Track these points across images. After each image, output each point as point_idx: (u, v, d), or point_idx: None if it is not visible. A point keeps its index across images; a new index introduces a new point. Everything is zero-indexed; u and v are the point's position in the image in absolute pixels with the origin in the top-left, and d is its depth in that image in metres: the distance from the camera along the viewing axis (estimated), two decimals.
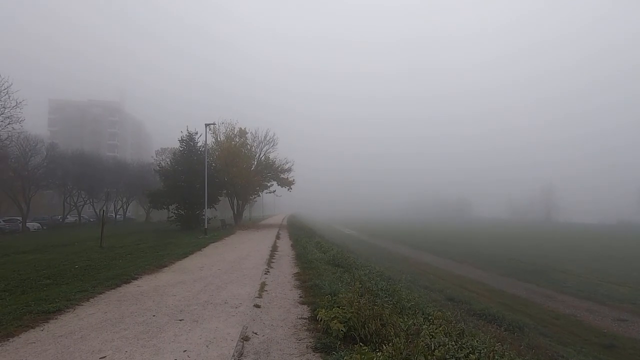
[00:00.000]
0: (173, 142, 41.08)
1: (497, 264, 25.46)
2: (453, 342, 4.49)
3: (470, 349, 4.48)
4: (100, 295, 7.28)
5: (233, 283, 8.50)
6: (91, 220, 48.04)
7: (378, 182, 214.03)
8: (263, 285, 8.21)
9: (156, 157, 57.15)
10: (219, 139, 36.71)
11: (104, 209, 31.54)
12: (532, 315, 13.48)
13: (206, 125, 26.37)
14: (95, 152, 53.62)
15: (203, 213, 28.00)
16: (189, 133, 31.98)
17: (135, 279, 8.97)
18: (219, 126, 36.32)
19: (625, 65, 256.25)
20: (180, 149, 32.78)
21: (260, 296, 7.17)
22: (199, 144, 32.29)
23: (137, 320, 5.58)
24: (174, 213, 31.17)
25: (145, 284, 8.44)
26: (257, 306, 6.40)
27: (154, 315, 5.81)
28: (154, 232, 29.63)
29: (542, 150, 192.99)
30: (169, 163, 40.10)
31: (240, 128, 37.35)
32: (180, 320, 5.57)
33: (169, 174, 32.56)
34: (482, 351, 4.49)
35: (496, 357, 4.35)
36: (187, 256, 13.41)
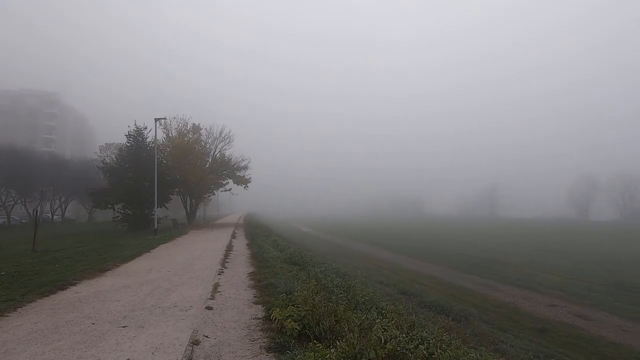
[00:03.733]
0: (119, 138, 38.55)
1: (447, 258, 26.90)
2: (404, 335, 4.63)
3: (420, 340, 4.66)
4: (31, 304, 6.58)
5: (184, 285, 8.11)
6: (23, 221, 43.47)
7: (338, 180, 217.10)
8: (216, 286, 7.93)
9: (100, 153, 53.13)
10: (170, 135, 35.01)
11: (38, 209, 28.73)
12: (477, 304, 14.39)
13: (156, 119, 24.97)
14: (29, 147, 48.62)
15: (153, 212, 26.55)
16: (137, 128, 30.09)
17: (73, 284, 8.23)
18: (170, 121, 34.67)
19: (572, 76, 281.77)
20: (128, 144, 30.74)
21: (212, 298, 6.91)
22: (148, 140, 30.50)
23: (74, 329, 5.11)
24: (120, 213, 29.17)
25: (85, 289, 7.79)
26: (209, 308, 6.16)
27: (93, 323, 5.36)
28: (98, 233, 27.54)
29: (489, 151, 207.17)
30: (114, 159, 37.40)
31: (194, 124, 35.95)
32: (123, 326, 5.19)
33: (115, 171, 30.40)
34: (430, 341, 4.68)
35: (443, 347, 4.55)
36: (133, 258, 12.60)
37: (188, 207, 38.75)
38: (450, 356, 4.18)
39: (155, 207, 25.22)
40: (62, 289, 7.74)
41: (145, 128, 30.48)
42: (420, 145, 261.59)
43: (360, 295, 7.07)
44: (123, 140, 32.61)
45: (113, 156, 43.73)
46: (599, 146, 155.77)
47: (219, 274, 9.42)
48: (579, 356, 9.40)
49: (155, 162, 24.90)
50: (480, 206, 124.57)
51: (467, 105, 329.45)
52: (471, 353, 4.86)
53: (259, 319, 5.56)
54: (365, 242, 39.84)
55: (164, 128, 34.64)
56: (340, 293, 7.15)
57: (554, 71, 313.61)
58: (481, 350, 6.45)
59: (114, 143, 51.50)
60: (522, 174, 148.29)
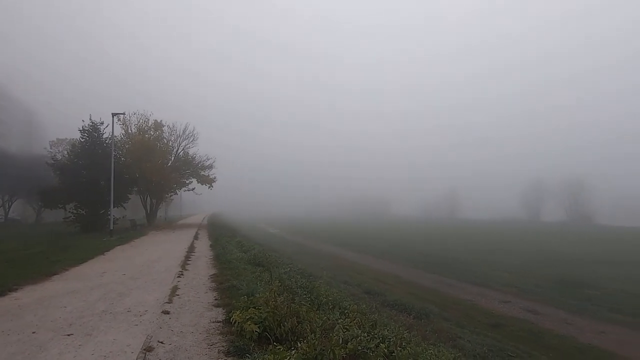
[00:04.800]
0: (73, 133, 36.10)
1: (410, 257, 27.65)
2: (366, 334, 4.66)
3: (381, 338, 4.71)
4: None
5: (139, 289, 7.70)
6: None
7: (306, 182, 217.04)
8: (175, 289, 7.60)
9: (50, 148, 49.43)
10: (129, 131, 33.30)
11: None
12: (437, 302, 14.88)
13: (113, 114, 23.65)
14: None
15: (109, 213, 25.06)
16: (93, 122, 28.27)
17: (14, 290, 7.56)
18: (129, 117, 32.99)
19: (536, 77, 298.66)
20: (82, 139, 28.79)
21: (170, 301, 6.61)
22: (105, 136, 28.77)
23: (10, 339, 4.67)
24: (72, 213, 27.26)
25: (27, 295, 7.17)
26: (166, 312, 5.88)
27: (33, 332, 4.93)
28: (47, 235, 25.56)
29: (448, 152, 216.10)
30: (66, 156, 34.95)
31: (156, 120, 34.48)
32: (68, 335, 4.82)
33: (67, 169, 28.36)
34: (391, 340, 4.75)
35: (403, 344, 4.63)
36: (85, 261, 11.83)
37: (148, 207, 37.05)
38: (409, 353, 4.26)
39: (112, 206, 23.87)
40: (0, 296, 7.08)
41: (102, 123, 28.72)
42: (384, 144, 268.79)
43: (324, 296, 7.04)
44: (77, 135, 30.53)
45: (65, 152, 40.87)
46: (548, 152, 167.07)
47: (178, 277, 9.05)
48: (529, 349, 9.97)
49: (112, 159, 23.56)
50: (442, 207, 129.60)
51: (429, 105, 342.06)
52: (430, 350, 4.99)
53: (219, 322, 5.38)
54: (331, 242, 40.07)
55: (123, 124, 32.93)
56: (304, 294, 7.09)
57: (509, 75, 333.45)
58: (440, 346, 6.66)
59: (66, 139, 48.14)
60: (480, 176, 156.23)
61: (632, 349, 10.19)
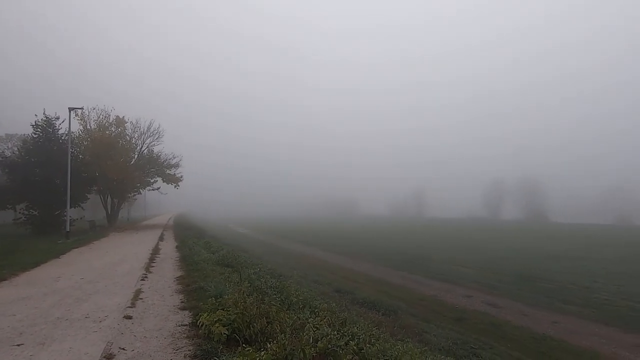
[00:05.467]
0: (25, 129, 33.58)
1: (379, 255, 28.19)
2: (336, 332, 4.68)
3: (351, 336, 4.76)
4: None
5: (99, 293, 7.30)
6: None
7: (276, 182, 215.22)
8: (138, 292, 7.28)
9: None
10: (88, 127, 31.49)
11: None
12: (405, 299, 15.28)
13: (70, 109, 22.27)
14: None
15: (65, 213, 23.56)
16: (47, 117, 26.45)
17: None
18: (88, 112, 31.19)
19: (501, 83, 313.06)
20: (35, 135, 26.85)
21: (133, 305, 6.32)
22: (60, 131, 27.00)
23: None
24: (23, 214, 25.37)
25: None
26: (128, 317, 5.61)
27: None
28: None
29: (416, 153, 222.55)
30: (16, 152, 32.46)
31: (117, 116, 32.79)
32: (18, 345, 4.48)
33: (17, 166, 26.33)
34: (361, 337, 4.81)
35: (372, 341, 4.70)
36: (38, 265, 11.07)
37: (109, 207, 35.23)
38: (378, 350, 4.33)
39: (68, 207, 22.46)
40: None
41: (57, 118, 26.94)
42: (352, 143, 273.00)
43: (294, 296, 7.01)
44: (29, 131, 28.42)
45: (15, 149, 37.95)
46: (508, 154, 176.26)
47: (142, 280, 8.67)
48: (490, 340, 10.47)
49: (69, 157, 22.17)
50: (410, 207, 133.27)
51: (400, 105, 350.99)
52: (398, 345, 5.10)
53: (186, 325, 5.21)
54: (302, 242, 40.03)
55: (81, 119, 31.06)
56: (274, 294, 7.02)
57: (474, 81, 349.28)
58: (407, 341, 6.83)
59: (16, 134, 44.72)
60: (447, 175, 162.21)
61: (580, 337, 10.97)
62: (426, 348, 7.16)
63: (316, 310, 6.20)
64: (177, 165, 36.68)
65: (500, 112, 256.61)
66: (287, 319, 4.95)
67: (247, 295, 5.70)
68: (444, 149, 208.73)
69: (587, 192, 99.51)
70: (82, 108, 25.63)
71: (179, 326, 5.17)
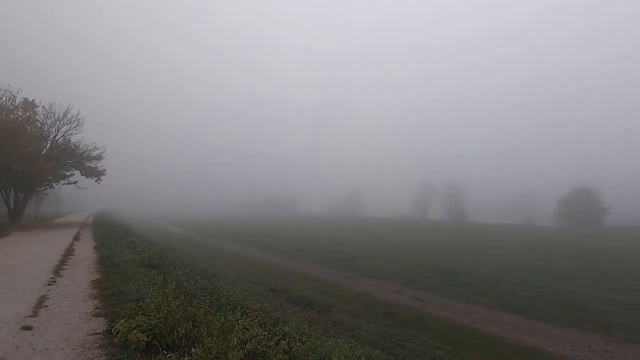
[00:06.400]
0: None
1: (315, 254, 28.55)
2: (267, 332, 4.60)
3: (282, 335, 4.72)
4: None
5: None
6: None
7: (211, 178, 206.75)
8: (42, 299, 6.42)
9: None
10: None
11: None
12: (338, 296, 15.68)
13: None
14: None
15: None
16: None
17: None
18: None
19: (458, 90, 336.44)
20: None
21: (35, 314, 5.55)
22: None
23: None
24: None
25: None
26: (28, 328, 4.91)
27: None
28: None
29: (352, 153, 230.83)
30: None
31: (26, 99, 28.72)
32: None
33: None
34: (292, 335, 4.79)
35: (303, 339, 4.71)
36: None
37: (12, 202, 30.69)
38: (308, 347, 4.34)
39: None
40: None
41: None
42: (288, 143, 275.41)
43: (225, 297, 6.76)
44: None
45: None
46: (435, 158, 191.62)
47: (48, 285, 7.68)
48: (415, 332, 11.21)
49: None
50: (345, 206, 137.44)
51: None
52: (329, 342, 5.18)
53: (99, 334, 4.71)
54: (237, 241, 38.96)
55: None
56: (204, 296, 6.69)
57: (410, 87, 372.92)
58: (339, 338, 6.99)
59: None
60: (380, 176, 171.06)
61: (489, 325, 12.28)
62: (356, 343, 7.41)
63: (248, 310, 6.04)
64: (99, 158, 33.17)
65: (436, 120, 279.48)
66: (215, 321, 4.75)
67: (173, 298, 5.33)
68: (381, 149, 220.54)
69: (499, 196, 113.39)
70: None
71: (91, 335, 4.66)
